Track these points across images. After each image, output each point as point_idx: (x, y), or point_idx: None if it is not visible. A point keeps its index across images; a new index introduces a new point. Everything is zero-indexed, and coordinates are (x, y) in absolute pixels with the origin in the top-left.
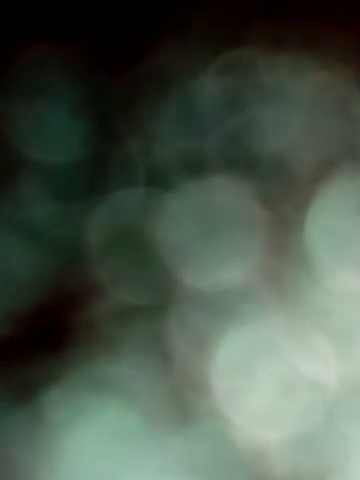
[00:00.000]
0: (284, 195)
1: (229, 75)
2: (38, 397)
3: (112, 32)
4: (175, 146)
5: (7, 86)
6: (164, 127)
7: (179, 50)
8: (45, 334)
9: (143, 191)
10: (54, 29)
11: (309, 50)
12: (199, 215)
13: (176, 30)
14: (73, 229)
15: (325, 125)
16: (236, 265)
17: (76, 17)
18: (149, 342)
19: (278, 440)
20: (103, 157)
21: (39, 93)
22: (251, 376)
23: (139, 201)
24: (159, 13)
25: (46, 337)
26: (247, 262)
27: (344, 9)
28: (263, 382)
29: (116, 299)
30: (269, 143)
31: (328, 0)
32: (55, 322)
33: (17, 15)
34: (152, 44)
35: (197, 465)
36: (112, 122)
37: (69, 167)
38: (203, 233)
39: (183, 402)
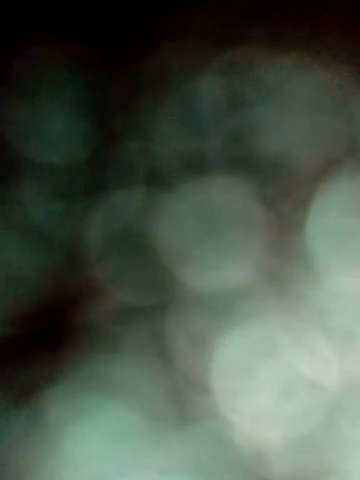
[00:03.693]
0: (284, 195)
1: (229, 75)
2: (38, 397)
3: (112, 32)
4: (175, 146)
5: (7, 86)
6: (164, 127)
7: (179, 50)
8: (45, 334)
9: (143, 191)
10: (54, 29)
11: (309, 50)
12: (199, 215)
13: (176, 30)
14: (73, 229)
15: (325, 125)
16: (236, 265)
17: (76, 17)
18: (149, 342)
19: (278, 440)
20: (103, 157)
21: (39, 93)
22: (251, 376)
23: (139, 201)
24: (159, 13)
25: (46, 337)
26: (247, 262)
27: (344, 9)
28: (263, 382)
29: (116, 299)
30: (269, 143)
31: (328, 0)
32: (55, 322)
33: (17, 15)
34: (152, 44)
35: (197, 465)
36: (112, 122)
37: (69, 167)
38: (203, 233)
39: (183, 402)
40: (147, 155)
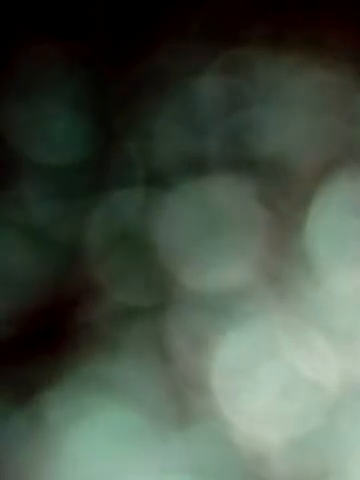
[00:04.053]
0: (284, 195)
1: (229, 75)
2: (38, 397)
3: (112, 32)
4: (175, 146)
5: (7, 86)
6: (164, 127)
7: (179, 50)
8: (45, 334)
9: (143, 191)
10: (55, 29)
11: (309, 50)
12: (199, 215)
13: (176, 30)
14: (73, 229)
15: (325, 125)
16: (236, 265)
17: (76, 17)
18: (149, 342)
19: (278, 441)
20: (103, 157)
21: (39, 93)
22: (251, 376)
23: (139, 201)
24: (159, 13)
25: (46, 337)
26: (247, 262)
27: (344, 9)
28: (263, 382)
29: (116, 299)
30: (269, 143)
31: (328, 0)
32: (55, 322)
33: (17, 15)
34: (152, 44)
35: (197, 465)
36: (112, 122)
37: (69, 167)
38: (203, 233)
39: (183, 402)
40: (147, 155)
